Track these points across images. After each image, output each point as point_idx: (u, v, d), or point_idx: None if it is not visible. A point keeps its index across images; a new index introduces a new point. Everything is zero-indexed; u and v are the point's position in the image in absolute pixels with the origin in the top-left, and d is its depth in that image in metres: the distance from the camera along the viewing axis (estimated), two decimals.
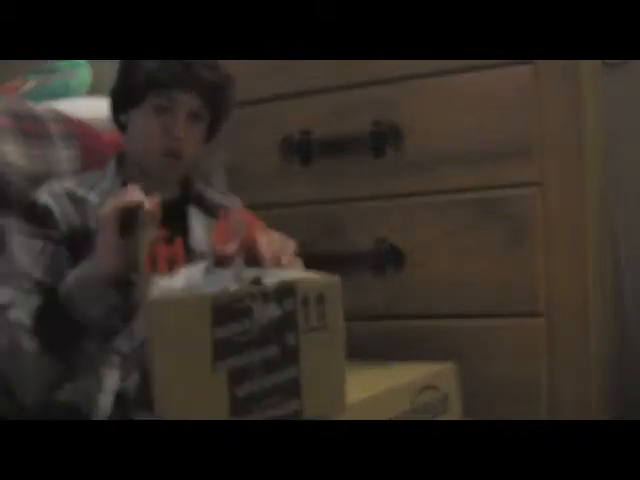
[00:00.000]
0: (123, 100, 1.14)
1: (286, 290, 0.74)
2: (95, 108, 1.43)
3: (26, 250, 1.04)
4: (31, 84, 1.65)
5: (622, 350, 1.53)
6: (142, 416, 1.03)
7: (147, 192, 1.13)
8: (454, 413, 1.07)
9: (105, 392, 1.03)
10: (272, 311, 0.74)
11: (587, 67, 1.25)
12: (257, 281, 0.76)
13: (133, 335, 1.04)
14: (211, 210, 1.18)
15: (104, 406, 1.03)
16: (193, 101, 1.10)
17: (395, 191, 1.29)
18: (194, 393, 0.74)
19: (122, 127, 1.16)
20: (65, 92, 1.60)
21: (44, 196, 1.08)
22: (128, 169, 1.14)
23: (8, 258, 1.04)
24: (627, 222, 1.59)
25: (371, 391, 0.93)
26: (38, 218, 1.06)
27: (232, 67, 1.38)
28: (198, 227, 1.15)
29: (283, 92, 1.38)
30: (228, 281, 0.76)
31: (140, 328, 1.04)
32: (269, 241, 0.93)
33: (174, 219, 0.97)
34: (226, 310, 0.73)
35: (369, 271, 1.28)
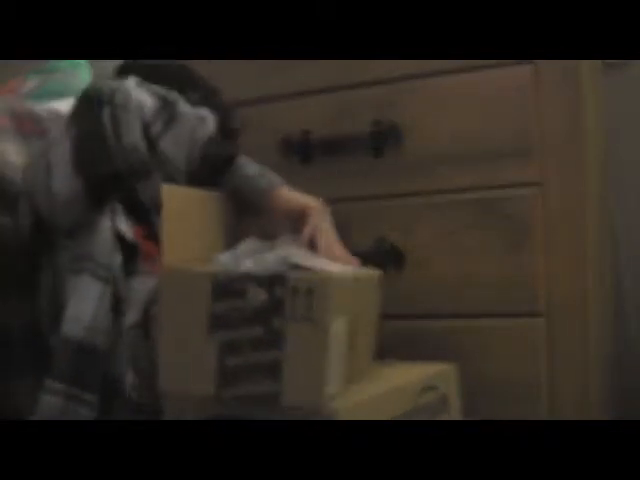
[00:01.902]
0: None
1: (278, 278, 0.81)
2: None
3: None
4: (31, 84, 1.65)
5: (622, 350, 1.53)
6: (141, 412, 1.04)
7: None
8: (453, 413, 1.07)
9: (88, 298, 1.02)
10: (263, 295, 0.81)
11: (587, 67, 1.25)
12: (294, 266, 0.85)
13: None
14: None
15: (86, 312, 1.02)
16: None
17: (395, 191, 1.29)
18: (190, 360, 0.85)
19: None
20: (65, 92, 1.60)
21: None
22: None
23: None
24: (627, 222, 1.59)
25: (374, 391, 0.93)
26: None
27: (233, 67, 1.39)
28: None
29: (283, 92, 1.37)
30: (268, 263, 0.86)
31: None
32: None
33: None
34: (224, 288, 0.83)
35: None
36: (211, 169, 1.04)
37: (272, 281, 0.82)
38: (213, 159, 1.04)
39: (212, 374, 0.84)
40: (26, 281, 1.04)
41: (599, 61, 1.45)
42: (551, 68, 1.19)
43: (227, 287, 0.83)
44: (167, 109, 1.01)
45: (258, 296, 0.82)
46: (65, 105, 1.41)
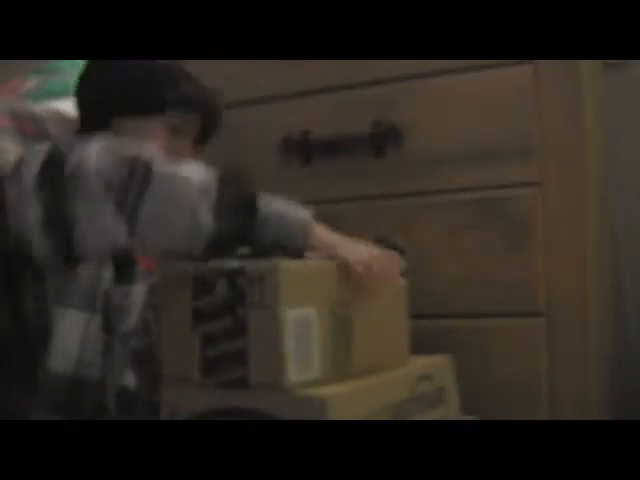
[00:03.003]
0: (129, 104, 1.09)
1: (239, 270, 0.89)
2: None
3: None
4: (31, 84, 1.65)
5: (622, 350, 1.53)
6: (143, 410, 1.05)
7: None
8: (451, 406, 1.08)
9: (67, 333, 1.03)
10: (227, 287, 0.89)
11: (587, 67, 1.25)
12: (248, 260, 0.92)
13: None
14: None
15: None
16: (198, 127, 1.11)
17: (395, 191, 1.29)
18: (182, 351, 0.93)
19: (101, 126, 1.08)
20: (65, 92, 1.60)
21: None
22: None
23: None
24: (627, 222, 1.59)
25: (369, 379, 0.95)
26: None
27: (232, 67, 1.39)
28: None
29: (283, 92, 1.37)
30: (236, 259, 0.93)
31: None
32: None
33: None
34: (200, 285, 0.91)
35: None
36: (233, 234, 0.90)
37: (234, 273, 0.89)
38: (231, 225, 0.89)
39: (197, 364, 0.92)
40: (8, 288, 1.03)
41: (599, 61, 1.45)
42: (551, 68, 1.19)
43: (202, 284, 0.91)
44: (138, 175, 0.83)
45: (224, 289, 0.89)
46: (65, 105, 1.41)
